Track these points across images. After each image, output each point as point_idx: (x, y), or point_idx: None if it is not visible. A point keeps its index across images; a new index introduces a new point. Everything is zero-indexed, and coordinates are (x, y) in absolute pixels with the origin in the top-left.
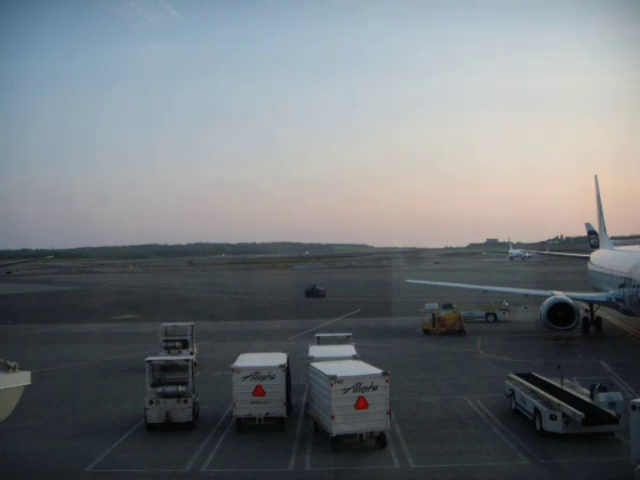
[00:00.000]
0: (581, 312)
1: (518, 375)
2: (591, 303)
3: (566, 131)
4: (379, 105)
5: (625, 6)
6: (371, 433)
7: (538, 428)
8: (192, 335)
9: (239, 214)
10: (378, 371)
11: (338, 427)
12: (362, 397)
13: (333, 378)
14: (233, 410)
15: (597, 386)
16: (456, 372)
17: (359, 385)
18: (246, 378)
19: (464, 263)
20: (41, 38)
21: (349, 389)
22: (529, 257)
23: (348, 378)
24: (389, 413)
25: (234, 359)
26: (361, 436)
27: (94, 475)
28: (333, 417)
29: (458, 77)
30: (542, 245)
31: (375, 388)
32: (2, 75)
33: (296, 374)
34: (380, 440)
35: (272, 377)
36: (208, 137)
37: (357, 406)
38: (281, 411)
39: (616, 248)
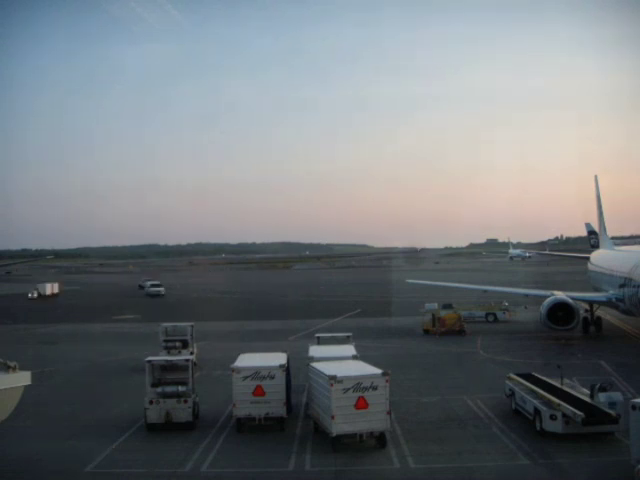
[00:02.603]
0: (581, 312)
1: (518, 375)
2: (591, 303)
3: (566, 131)
4: (379, 105)
5: (625, 6)
6: (371, 433)
7: (538, 428)
8: (192, 335)
9: (239, 214)
10: (378, 371)
11: (338, 427)
12: (362, 397)
13: (333, 378)
14: (233, 410)
15: (597, 386)
16: (456, 372)
17: (359, 385)
18: (246, 378)
19: (464, 263)
20: (41, 38)
21: (349, 389)
22: (529, 257)
23: (348, 378)
24: (389, 413)
25: (234, 359)
26: (361, 436)
27: (94, 475)
28: (333, 417)
29: (458, 77)
30: (542, 245)
31: (375, 388)
32: (1, 75)
33: (296, 374)
34: (380, 440)
35: (272, 377)
36: (208, 137)
37: (357, 406)
38: (281, 411)
39: (616, 248)
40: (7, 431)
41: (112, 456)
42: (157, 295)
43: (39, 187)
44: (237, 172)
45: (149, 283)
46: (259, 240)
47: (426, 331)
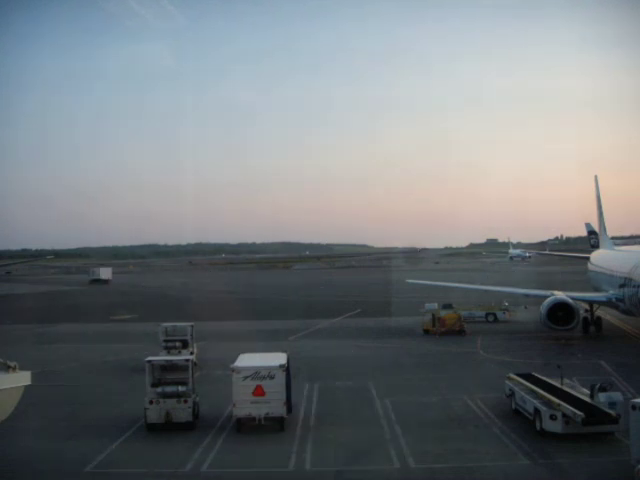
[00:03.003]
0: (581, 312)
1: (518, 375)
2: (591, 303)
3: (566, 131)
4: (379, 105)
5: (626, 4)
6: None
7: (538, 428)
8: (192, 335)
9: (239, 214)
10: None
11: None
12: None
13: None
14: (233, 410)
15: (597, 386)
16: (456, 372)
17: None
18: (246, 378)
19: (464, 263)
20: (39, 37)
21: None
22: (529, 257)
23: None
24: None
25: (234, 359)
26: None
27: (94, 475)
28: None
29: (458, 77)
30: (542, 245)
31: (272, 377)
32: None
33: (296, 374)
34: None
35: (272, 377)
36: (207, 136)
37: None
38: (281, 411)
39: (616, 248)
40: (7, 431)
41: (112, 456)
42: None
43: (39, 187)
44: (237, 172)
45: None
46: (259, 240)
47: (426, 331)
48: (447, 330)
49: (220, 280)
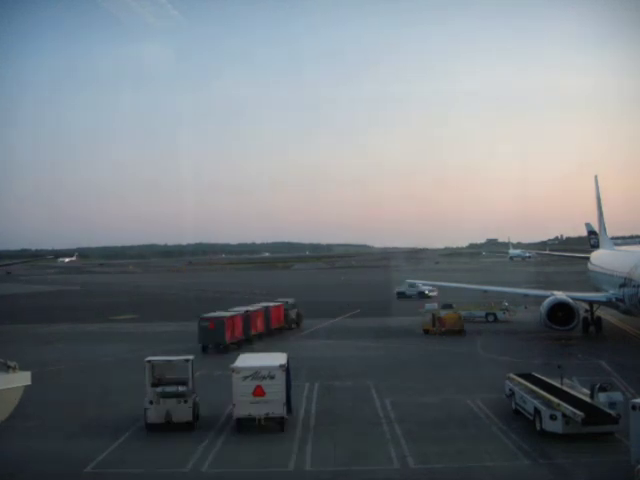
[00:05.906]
0: (581, 312)
1: (518, 375)
2: (591, 303)
3: (566, 131)
4: (379, 104)
5: (626, 4)
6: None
7: (538, 428)
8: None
9: (239, 214)
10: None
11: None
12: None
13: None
14: (233, 410)
15: (597, 386)
16: (456, 372)
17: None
18: (246, 378)
19: (464, 263)
20: (36, 36)
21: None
22: (529, 257)
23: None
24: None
25: (234, 359)
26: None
27: (94, 475)
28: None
29: (458, 77)
30: (542, 245)
31: (272, 377)
32: None
33: (296, 374)
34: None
35: (272, 377)
36: (207, 136)
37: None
38: (281, 411)
39: (616, 248)
40: (7, 431)
41: (112, 456)
42: None
43: (38, 187)
44: (237, 172)
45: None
46: (259, 240)
47: (426, 331)
48: (447, 330)
49: (220, 280)
